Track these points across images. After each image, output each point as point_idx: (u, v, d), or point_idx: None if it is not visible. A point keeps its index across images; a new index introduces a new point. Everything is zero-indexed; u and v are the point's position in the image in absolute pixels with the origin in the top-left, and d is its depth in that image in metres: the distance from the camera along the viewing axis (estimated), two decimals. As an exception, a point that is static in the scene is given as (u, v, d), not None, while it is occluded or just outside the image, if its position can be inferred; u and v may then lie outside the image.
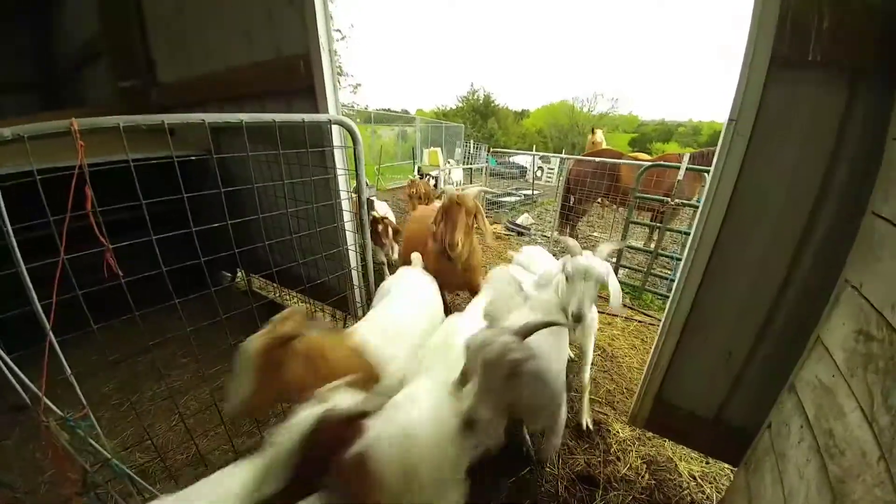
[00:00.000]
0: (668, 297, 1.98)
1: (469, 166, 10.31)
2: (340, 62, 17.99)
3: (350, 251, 2.69)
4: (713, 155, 1.69)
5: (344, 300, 2.83)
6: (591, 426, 2.50)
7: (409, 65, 78.97)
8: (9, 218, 1.40)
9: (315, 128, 2.39)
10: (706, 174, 1.70)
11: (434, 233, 2.62)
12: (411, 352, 1.93)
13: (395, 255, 4.16)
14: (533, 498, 2.04)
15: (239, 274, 4.06)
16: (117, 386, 2.65)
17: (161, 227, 1.73)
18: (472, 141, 19.75)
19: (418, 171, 7.26)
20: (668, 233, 4.85)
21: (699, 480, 2.19)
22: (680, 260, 1.88)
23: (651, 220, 5.85)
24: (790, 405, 1.44)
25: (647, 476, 2.20)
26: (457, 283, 2.98)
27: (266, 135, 2.37)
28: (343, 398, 1.21)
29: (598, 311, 4.11)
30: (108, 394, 2.65)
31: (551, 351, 1.72)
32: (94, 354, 2.16)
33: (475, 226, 2.65)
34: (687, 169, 4.33)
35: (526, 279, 2.44)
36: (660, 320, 2.03)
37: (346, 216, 2.61)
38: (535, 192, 10.96)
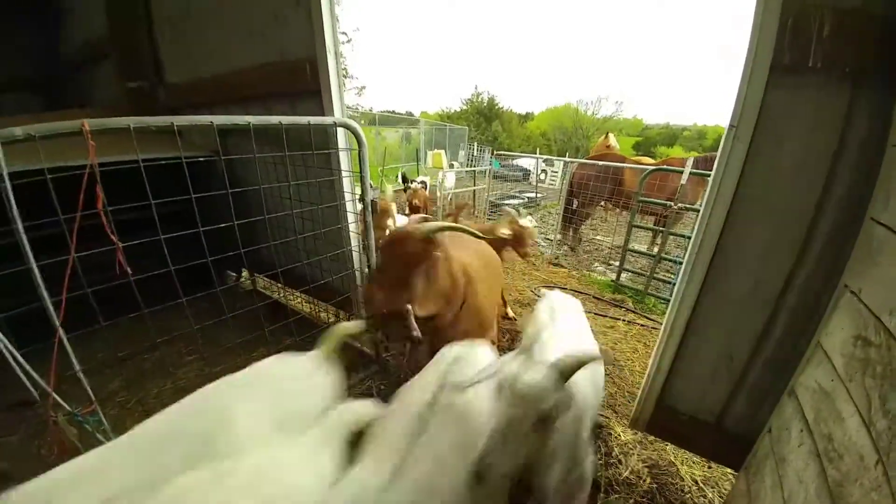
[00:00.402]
0: (670, 300, 1.98)
1: (472, 169, 10.33)
2: (346, 64, 18.07)
3: (354, 252, 2.71)
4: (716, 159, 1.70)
5: (348, 301, 2.85)
6: None
7: (413, 67, 79.23)
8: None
9: (320, 130, 2.42)
10: (710, 178, 1.72)
11: None
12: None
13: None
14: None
15: (244, 273, 4.09)
16: (124, 383, 2.68)
17: (166, 227, 1.76)
18: (475, 143, 19.80)
19: (402, 177, 7.01)
20: (671, 237, 4.85)
21: (701, 484, 2.19)
22: (683, 264, 1.89)
23: (654, 224, 5.85)
24: (790, 409, 1.45)
25: (648, 479, 2.20)
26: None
27: (272, 137, 2.40)
28: None
29: (599, 315, 4.13)
30: (115, 390, 2.67)
31: (587, 395, 1.47)
32: (101, 351, 2.19)
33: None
34: (690, 173, 4.33)
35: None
36: (662, 324, 2.03)
37: (350, 217, 2.63)
38: (539, 194, 10.98)
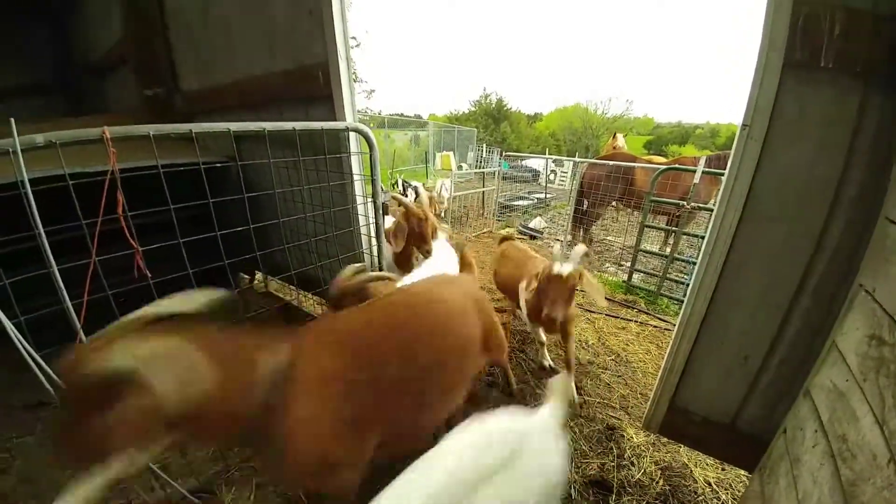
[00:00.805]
0: (683, 301, 1.97)
1: (482, 170, 10.34)
2: (355, 68, 18.24)
3: (365, 254, 2.75)
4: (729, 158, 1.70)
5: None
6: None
7: (421, 70, 79.49)
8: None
9: (332, 134, 2.46)
10: (723, 177, 1.71)
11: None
12: None
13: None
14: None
15: (258, 276, 4.16)
16: (141, 384, 2.73)
17: (181, 232, 1.79)
18: (484, 145, 19.80)
19: (403, 184, 6.85)
20: (683, 237, 4.80)
21: (715, 486, 2.17)
22: (696, 264, 1.88)
23: (667, 224, 5.80)
24: (805, 410, 1.44)
25: (661, 482, 2.19)
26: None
27: (284, 141, 2.44)
28: None
29: (611, 316, 4.11)
30: (132, 392, 2.73)
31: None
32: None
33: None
34: (703, 172, 4.30)
35: None
36: (674, 325, 2.02)
37: (362, 220, 2.67)
38: (548, 195, 10.95)
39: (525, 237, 7.26)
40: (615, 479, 2.18)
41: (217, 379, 1.03)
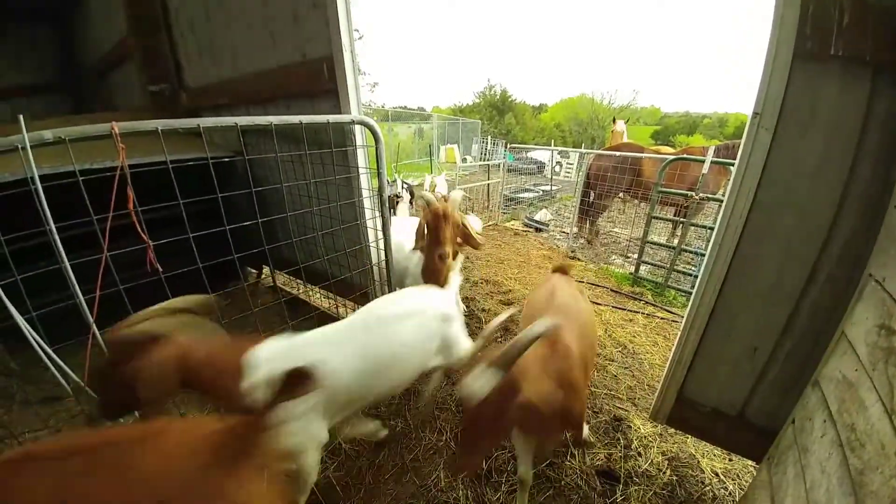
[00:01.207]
0: (691, 293, 1.96)
1: (486, 162, 10.28)
2: (359, 61, 18.15)
3: (371, 248, 2.76)
4: (739, 148, 1.68)
5: (365, 295, 2.90)
6: None
7: (425, 62, 79.09)
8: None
9: (338, 128, 2.46)
10: (731, 167, 1.69)
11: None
12: None
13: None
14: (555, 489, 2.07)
15: (265, 270, 4.18)
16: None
17: (190, 226, 1.81)
18: (489, 137, 19.67)
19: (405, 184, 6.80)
20: (691, 228, 4.77)
21: (722, 477, 2.18)
22: (704, 255, 1.87)
23: (674, 215, 5.76)
24: (814, 400, 1.43)
25: (668, 472, 2.20)
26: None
27: (290, 135, 2.44)
28: None
29: (618, 308, 4.10)
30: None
31: None
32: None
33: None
34: (712, 162, 4.25)
35: None
36: (682, 317, 2.02)
37: (368, 213, 2.67)
38: (554, 187, 10.89)
39: (531, 230, 7.24)
40: (622, 470, 2.19)
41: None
